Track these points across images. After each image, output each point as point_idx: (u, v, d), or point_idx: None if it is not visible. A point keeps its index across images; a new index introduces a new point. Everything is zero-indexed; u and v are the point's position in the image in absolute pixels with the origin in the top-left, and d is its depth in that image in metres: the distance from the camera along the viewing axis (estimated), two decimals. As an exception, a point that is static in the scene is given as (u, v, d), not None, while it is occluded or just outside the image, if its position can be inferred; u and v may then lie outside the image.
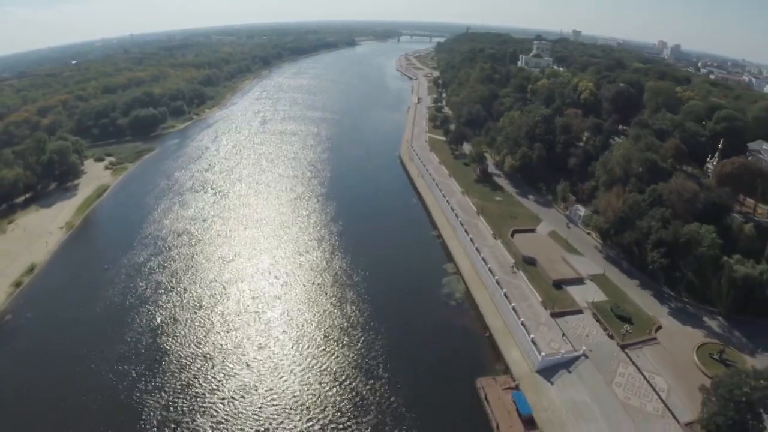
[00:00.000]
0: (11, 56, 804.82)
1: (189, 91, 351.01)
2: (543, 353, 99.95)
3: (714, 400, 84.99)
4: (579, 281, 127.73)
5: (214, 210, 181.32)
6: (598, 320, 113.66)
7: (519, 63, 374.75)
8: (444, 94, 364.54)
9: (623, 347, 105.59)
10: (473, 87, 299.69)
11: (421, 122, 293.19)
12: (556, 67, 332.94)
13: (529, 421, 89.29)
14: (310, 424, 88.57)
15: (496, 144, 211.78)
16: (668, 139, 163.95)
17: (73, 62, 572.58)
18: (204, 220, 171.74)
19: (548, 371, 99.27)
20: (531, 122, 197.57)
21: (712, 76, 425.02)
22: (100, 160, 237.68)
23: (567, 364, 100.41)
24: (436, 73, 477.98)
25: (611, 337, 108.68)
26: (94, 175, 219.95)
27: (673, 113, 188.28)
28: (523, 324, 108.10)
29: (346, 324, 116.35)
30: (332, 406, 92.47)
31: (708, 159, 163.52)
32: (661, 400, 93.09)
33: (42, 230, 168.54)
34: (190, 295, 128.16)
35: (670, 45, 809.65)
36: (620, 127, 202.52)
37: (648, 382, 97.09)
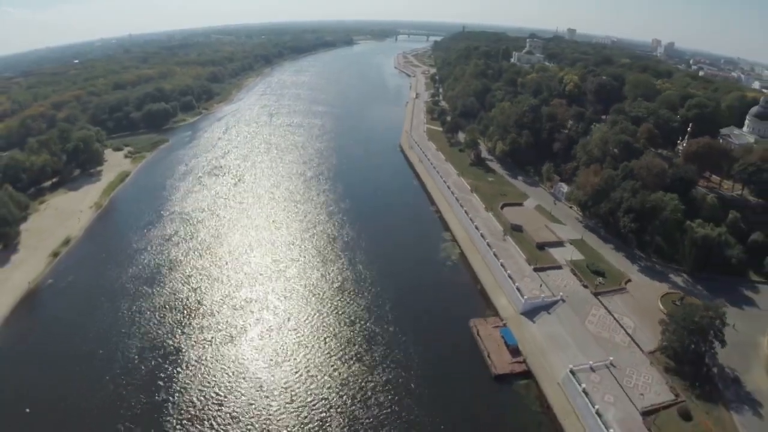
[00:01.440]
0: (10, 56, 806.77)
1: (197, 87, 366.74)
2: (526, 297, 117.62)
3: (671, 329, 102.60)
4: (560, 244, 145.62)
5: (233, 191, 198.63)
6: (575, 274, 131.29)
7: (512, 60, 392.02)
8: (441, 89, 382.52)
9: (596, 294, 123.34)
10: (468, 82, 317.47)
11: (419, 115, 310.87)
12: (546, 63, 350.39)
13: (514, 350, 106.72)
14: (330, 353, 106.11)
15: (488, 132, 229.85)
16: (643, 124, 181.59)
17: (76, 61, 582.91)
18: (225, 198, 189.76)
19: (531, 313, 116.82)
20: (520, 111, 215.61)
21: (701, 73, 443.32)
22: (119, 149, 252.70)
23: (547, 306, 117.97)
24: (433, 71, 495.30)
25: (586, 287, 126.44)
26: (115, 162, 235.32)
27: (650, 102, 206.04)
28: (509, 276, 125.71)
29: (357, 280, 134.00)
30: (349, 341, 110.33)
31: (679, 141, 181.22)
32: (628, 334, 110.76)
33: (72, 209, 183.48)
34: (217, 257, 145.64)
35: (664, 43, 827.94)
36: (603, 117, 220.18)
37: (617, 321, 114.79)
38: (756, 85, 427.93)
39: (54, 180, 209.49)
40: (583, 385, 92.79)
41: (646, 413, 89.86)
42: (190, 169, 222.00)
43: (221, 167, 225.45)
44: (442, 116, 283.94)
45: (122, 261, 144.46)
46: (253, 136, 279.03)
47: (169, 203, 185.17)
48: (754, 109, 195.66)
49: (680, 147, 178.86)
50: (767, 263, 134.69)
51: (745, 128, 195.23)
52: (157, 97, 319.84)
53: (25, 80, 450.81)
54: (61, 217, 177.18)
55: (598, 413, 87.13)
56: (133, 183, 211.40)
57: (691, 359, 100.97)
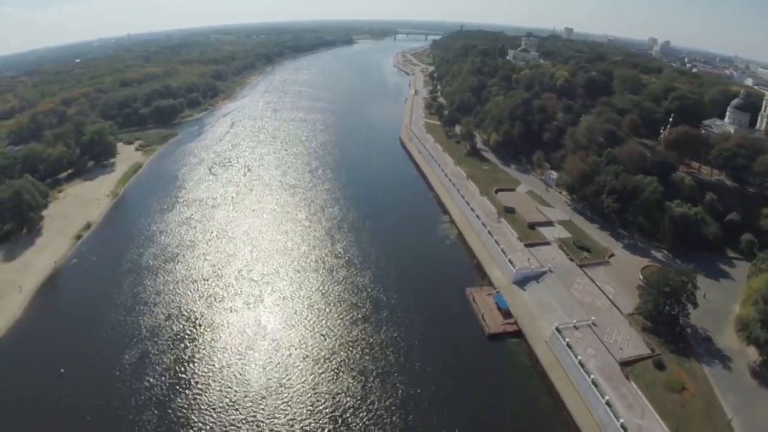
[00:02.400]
0: (10, 56, 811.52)
1: (202, 85, 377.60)
2: (517, 268, 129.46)
3: (647, 292, 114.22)
4: (549, 224, 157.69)
5: (243, 180, 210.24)
6: (562, 249, 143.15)
7: (508, 57, 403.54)
8: (439, 86, 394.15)
9: (581, 266, 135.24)
10: (465, 78, 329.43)
11: (418, 110, 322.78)
12: (540, 61, 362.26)
13: (506, 313, 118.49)
14: (340, 316, 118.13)
15: (483, 125, 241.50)
16: (627, 115, 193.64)
17: (77, 60, 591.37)
18: (236, 185, 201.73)
19: (521, 282, 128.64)
20: (513, 105, 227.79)
21: (694, 70, 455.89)
22: (129, 143, 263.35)
23: (536, 276, 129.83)
24: (432, 69, 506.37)
25: (572, 260, 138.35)
26: (127, 155, 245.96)
27: (636, 96, 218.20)
28: (502, 250, 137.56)
29: (363, 255, 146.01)
30: (357, 306, 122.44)
31: (661, 130, 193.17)
32: (609, 299, 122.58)
33: (90, 198, 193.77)
34: (232, 237, 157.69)
35: (661, 42, 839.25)
36: (592, 110, 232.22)
37: (599, 288, 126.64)
38: (749, 81, 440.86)
39: (69, 171, 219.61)
40: (567, 340, 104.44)
41: (623, 364, 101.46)
42: (201, 161, 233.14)
43: (230, 158, 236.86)
44: (440, 111, 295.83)
45: (142, 242, 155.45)
46: (259, 130, 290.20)
47: (183, 191, 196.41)
48: (735, 101, 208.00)
49: (663, 136, 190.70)
50: (743, 240, 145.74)
51: (726, 119, 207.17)
52: (164, 93, 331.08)
53: (29, 79, 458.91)
54: (80, 205, 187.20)
55: (580, 363, 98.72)
56: (147, 173, 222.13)
57: (666, 320, 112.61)
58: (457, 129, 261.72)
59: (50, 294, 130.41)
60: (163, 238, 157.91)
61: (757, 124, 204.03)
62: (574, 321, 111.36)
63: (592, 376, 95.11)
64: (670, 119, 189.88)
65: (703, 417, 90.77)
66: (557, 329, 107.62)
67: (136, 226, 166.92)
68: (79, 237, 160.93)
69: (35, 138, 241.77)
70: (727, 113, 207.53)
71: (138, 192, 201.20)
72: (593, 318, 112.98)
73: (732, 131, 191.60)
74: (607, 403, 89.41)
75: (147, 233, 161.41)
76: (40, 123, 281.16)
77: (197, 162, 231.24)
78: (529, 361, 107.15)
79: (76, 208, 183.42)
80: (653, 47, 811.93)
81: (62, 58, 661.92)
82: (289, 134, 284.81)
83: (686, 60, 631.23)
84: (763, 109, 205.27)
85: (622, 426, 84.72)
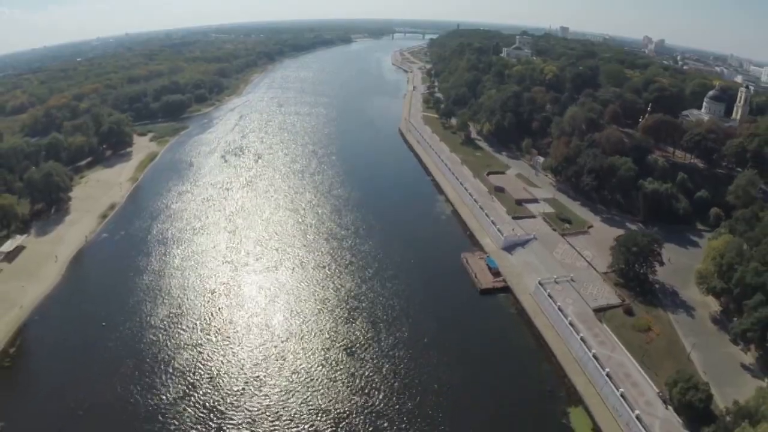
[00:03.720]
0: (8, 56, 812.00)
1: (208, 81, 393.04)
2: (505, 235, 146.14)
3: (618, 252, 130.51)
4: (535, 201, 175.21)
5: (255, 166, 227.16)
6: (546, 221, 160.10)
7: (502, 55, 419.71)
8: (436, 82, 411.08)
9: (563, 235, 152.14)
10: (461, 74, 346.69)
11: (416, 104, 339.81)
12: (533, 57, 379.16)
13: (496, 273, 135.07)
14: (350, 274, 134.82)
15: (477, 116, 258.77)
16: (609, 105, 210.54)
17: (78, 59, 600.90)
18: (248, 170, 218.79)
19: (509, 247, 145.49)
20: (504, 97, 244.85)
21: (685, 67, 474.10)
22: (143, 135, 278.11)
23: (522, 243, 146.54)
24: (429, 66, 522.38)
25: (554, 230, 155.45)
26: (142, 145, 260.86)
27: (618, 88, 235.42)
28: (492, 222, 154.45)
29: (367, 228, 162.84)
30: (364, 267, 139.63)
31: (641, 119, 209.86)
32: (586, 260, 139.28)
33: (112, 182, 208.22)
34: (250, 214, 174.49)
35: (655, 40, 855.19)
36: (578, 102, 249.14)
37: (578, 252, 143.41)
38: (738, 78, 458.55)
39: (89, 159, 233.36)
40: (549, 292, 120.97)
41: (597, 310, 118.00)
42: (213, 149, 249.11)
43: (241, 147, 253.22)
44: (437, 104, 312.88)
45: (166, 219, 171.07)
46: (266, 123, 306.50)
47: (200, 176, 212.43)
48: (710, 93, 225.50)
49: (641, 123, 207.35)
50: (711, 214, 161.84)
51: (702, 110, 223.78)
52: (172, 89, 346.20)
53: (34, 76, 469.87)
54: (102, 188, 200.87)
55: (559, 309, 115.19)
56: (163, 161, 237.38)
57: (636, 276, 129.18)
58: (453, 121, 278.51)
59: (85, 263, 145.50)
60: (185, 215, 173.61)
61: (733, 114, 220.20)
62: (555, 276, 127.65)
63: (569, 319, 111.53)
64: (648, 108, 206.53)
65: (666, 352, 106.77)
66: (540, 283, 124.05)
67: (158, 206, 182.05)
68: (105, 216, 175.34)
69: (49, 131, 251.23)
70: (704, 104, 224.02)
71: (157, 177, 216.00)
72: (572, 275, 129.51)
73: (706, 120, 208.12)
74: (582, 340, 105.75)
75: (169, 212, 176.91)
76: (54, 117, 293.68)
77: (210, 151, 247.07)
78: (515, 311, 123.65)
79: (99, 191, 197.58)
80: (648, 46, 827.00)
81: (62, 57, 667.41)
82: (295, 126, 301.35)
83: (678, 58, 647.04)
84: (738, 100, 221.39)
85: (594, 356, 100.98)
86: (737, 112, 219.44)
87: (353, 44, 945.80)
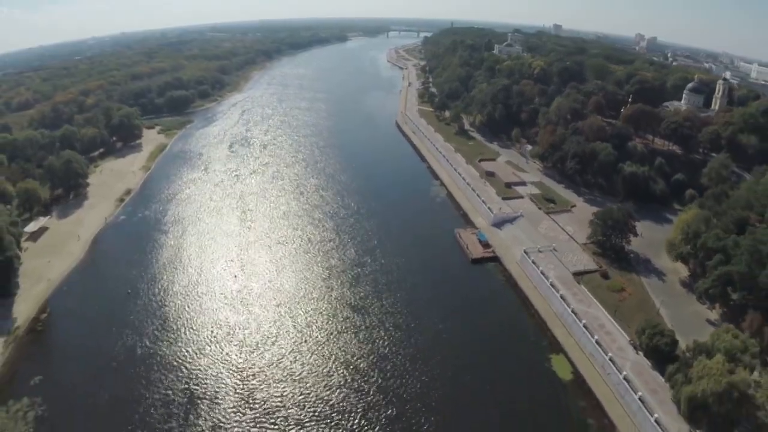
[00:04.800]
0: (5, 55, 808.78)
1: (210, 78, 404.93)
2: (495, 213, 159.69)
3: (596, 225, 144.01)
4: (523, 184, 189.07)
5: (261, 155, 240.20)
6: (533, 201, 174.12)
7: (494, 51, 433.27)
8: (430, 78, 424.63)
9: (548, 213, 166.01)
10: (454, 70, 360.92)
11: (412, 99, 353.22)
12: (524, 54, 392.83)
13: (486, 245, 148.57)
14: (354, 249, 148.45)
15: (470, 109, 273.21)
16: (593, 97, 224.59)
17: (77, 58, 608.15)
18: (256, 158, 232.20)
19: (498, 224, 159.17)
20: (495, 90, 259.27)
21: (675, 63, 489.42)
22: (150, 128, 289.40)
23: (510, 220, 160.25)
24: (424, 63, 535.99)
25: (540, 209, 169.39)
26: (151, 137, 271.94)
27: (602, 81, 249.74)
28: (483, 201, 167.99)
29: (369, 209, 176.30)
30: (363, 241, 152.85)
31: (622, 109, 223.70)
32: (568, 234, 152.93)
33: (125, 170, 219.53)
34: (261, 196, 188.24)
35: (648, 38, 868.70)
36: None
37: (561, 227, 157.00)
38: (727, 74, 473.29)
39: (101, 150, 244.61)
40: (533, 259, 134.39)
41: (576, 274, 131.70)
42: (220, 141, 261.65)
43: (246, 138, 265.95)
44: (431, 98, 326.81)
45: (180, 202, 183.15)
46: (268, 117, 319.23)
47: (209, 164, 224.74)
48: (689, 85, 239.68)
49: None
50: (687, 194, 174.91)
51: (682, 101, 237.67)
52: (176, 85, 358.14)
53: (35, 74, 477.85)
54: (117, 176, 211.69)
55: (542, 272, 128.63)
56: (173, 151, 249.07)
57: (612, 246, 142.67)
58: (447, 113, 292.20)
59: (106, 241, 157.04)
60: (198, 198, 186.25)
61: (712, 105, 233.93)
62: (539, 246, 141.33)
63: (550, 280, 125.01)
64: (629, 100, 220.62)
65: (637, 308, 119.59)
66: (525, 252, 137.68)
67: (171, 191, 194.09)
68: (122, 200, 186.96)
69: (57, 125, 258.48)
70: (683, 95, 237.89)
71: (168, 166, 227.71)
72: (554, 245, 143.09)
73: (684, 110, 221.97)
74: (562, 297, 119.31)
75: (183, 195, 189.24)
76: (61, 112, 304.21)
77: (217, 142, 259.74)
78: (503, 277, 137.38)
79: (114, 179, 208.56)
80: (639, 43, 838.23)
81: (59, 56, 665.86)
82: (297, 119, 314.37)
83: (669, 54, 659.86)
84: (716, 91, 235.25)
85: (573, 311, 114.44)
86: (716, 103, 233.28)
87: (349, 42, 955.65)
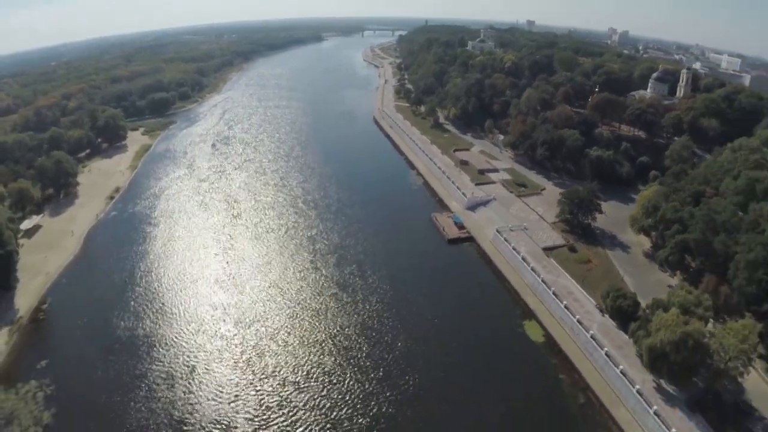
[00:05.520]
0: None
1: (190, 80, 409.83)
2: (468, 197, 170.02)
3: (563, 204, 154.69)
4: (495, 171, 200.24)
5: (244, 152, 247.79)
6: (504, 186, 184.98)
7: (467, 48, 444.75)
8: (406, 75, 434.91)
9: (519, 196, 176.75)
10: (428, 66, 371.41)
11: (388, 95, 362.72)
12: (496, 49, 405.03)
13: (461, 226, 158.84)
14: (339, 232, 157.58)
15: (444, 103, 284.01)
16: (561, 88, 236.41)
17: (53, 63, 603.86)
18: (239, 155, 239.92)
19: (472, 207, 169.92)
20: (468, 84, 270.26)
21: (645, 55, 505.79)
22: (134, 129, 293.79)
23: (483, 203, 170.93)
24: (399, 61, 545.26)
25: (511, 192, 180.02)
26: (135, 138, 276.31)
27: (570, 73, 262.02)
28: (458, 187, 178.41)
29: (350, 198, 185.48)
30: (346, 226, 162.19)
31: (590, 99, 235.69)
32: (538, 214, 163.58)
33: (113, 170, 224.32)
34: (246, 190, 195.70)
35: (620, 32, 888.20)
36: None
37: (531, 208, 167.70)
38: (697, 65, 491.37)
39: (88, 151, 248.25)
40: (505, 236, 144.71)
41: (545, 249, 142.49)
42: (203, 140, 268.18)
43: (228, 137, 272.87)
44: (407, 94, 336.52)
45: (168, 198, 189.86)
46: (249, 116, 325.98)
47: (194, 162, 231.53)
48: (654, 75, 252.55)
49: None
50: (651, 175, 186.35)
51: (648, 90, 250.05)
52: (157, 87, 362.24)
53: (13, 80, 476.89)
54: (105, 176, 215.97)
55: (514, 249, 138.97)
56: (158, 151, 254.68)
57: (579, 224, 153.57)
58: (423, 108, 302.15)
59: (99, 236, 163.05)
60: (185, 193, 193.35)
61: (677, 93, 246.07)
62: (511, 225, 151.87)
63: (522, 255, 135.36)
64: (596, 90, 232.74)
65: (603, 277, 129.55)
66: (498, 231, 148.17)
67: (159, 188, 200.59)
68: (112, 197, 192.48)
69: (41, 129, 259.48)
70: (649, 84, 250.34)
71: (154, 164, 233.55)
72: (525, 224, 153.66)
73: (648, 97, 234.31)
74: (532, 269, 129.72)
75: (170, 192, 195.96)
76: (44, 116, 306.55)
77: (200, 141, 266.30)
78: (478, 255, 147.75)
79: (102, 178, 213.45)
80: (612, 37, 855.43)
81: (32, 62, 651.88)
82: (276, 118, 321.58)
83: (640, 47, 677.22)
84: (680, 80, 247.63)
85: (543, 281, 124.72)
86: (680, 92, 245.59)
87: (324, 42, 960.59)
